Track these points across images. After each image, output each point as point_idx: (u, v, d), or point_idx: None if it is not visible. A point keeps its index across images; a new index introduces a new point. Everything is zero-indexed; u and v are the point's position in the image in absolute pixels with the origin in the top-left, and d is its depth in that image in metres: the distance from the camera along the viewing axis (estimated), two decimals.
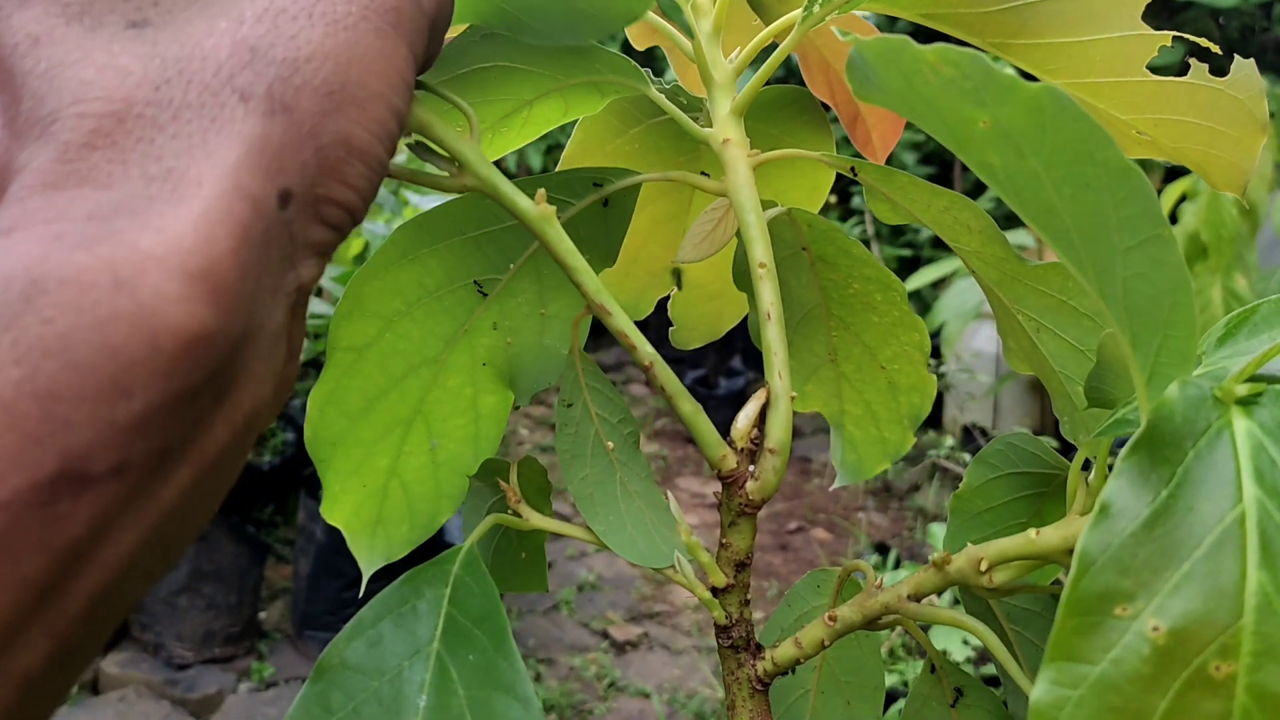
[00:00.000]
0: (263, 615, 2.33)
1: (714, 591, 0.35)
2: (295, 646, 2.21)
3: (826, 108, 0.53)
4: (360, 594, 0.45)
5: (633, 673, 2.19)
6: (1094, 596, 0.23)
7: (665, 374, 0.33)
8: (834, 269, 0.46)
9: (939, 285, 2.89)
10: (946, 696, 0.37)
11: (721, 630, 0.36)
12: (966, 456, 2.17)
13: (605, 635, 2.33)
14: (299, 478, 2.42)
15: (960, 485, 0.38)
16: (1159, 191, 2.00)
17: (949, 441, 2.35)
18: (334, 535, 2.10)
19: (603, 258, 0.45)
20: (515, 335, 0.45)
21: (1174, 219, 1.81)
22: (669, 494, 0.36)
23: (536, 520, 0.37)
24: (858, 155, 0.53)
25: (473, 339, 0.44)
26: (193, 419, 0.21)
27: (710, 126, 0.41)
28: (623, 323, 0.32)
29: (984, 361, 2.66)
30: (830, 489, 0.51)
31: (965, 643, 2.00)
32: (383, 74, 0.25)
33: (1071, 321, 0.37)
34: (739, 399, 3.53)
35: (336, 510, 0.43)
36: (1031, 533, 0.32)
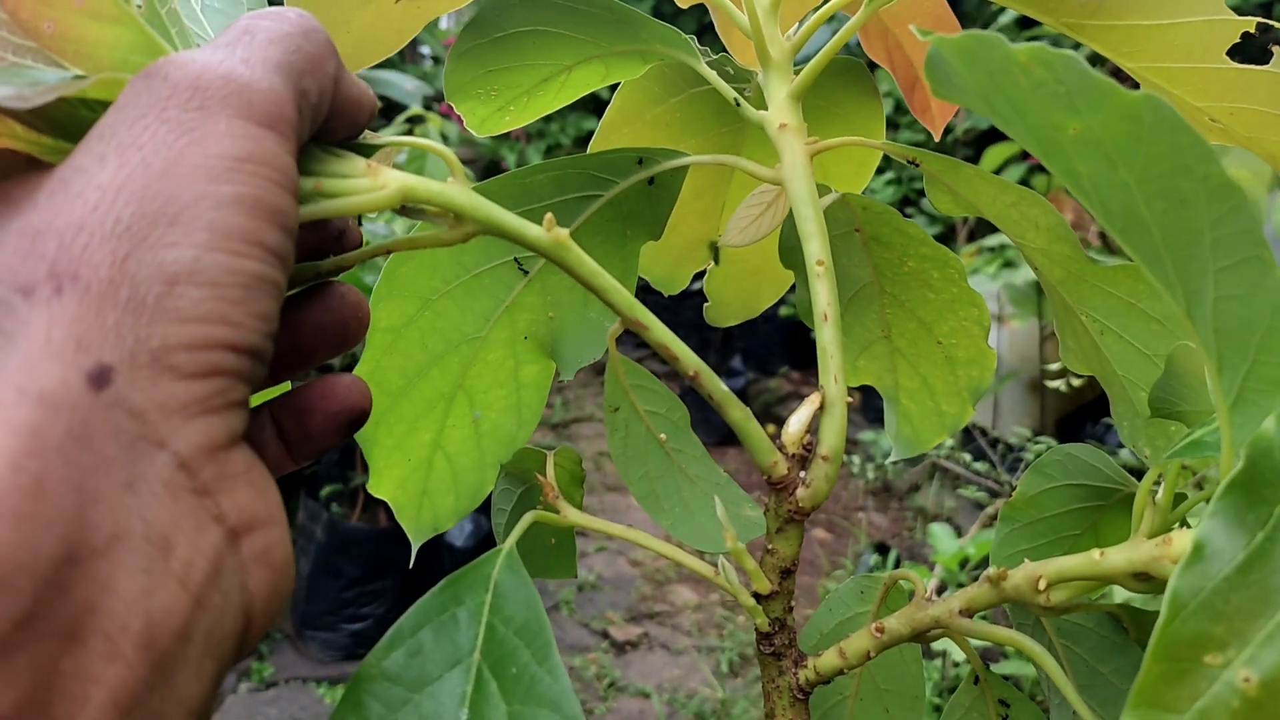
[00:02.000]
0: None
1: (757, 598, 0.34)
2: (295, 646, 2.23)
3: (873, 66, 0.51)
4: (410, 564, 0.45)
5: (633, 673, 2.20)
6: (1184, 642, 0.22)
7: (712, 382, 0.31)
8: (888, 248, 0.44)
9: None
10: (990, 709, 0.36)
11: (764, 637, 0.35)
12: (967, 456, 2.15)
13: (605, 635, 2.34)
14: (299, 478, 2.43)
15: (1013, 494, 0.37)
16: None
17: (949, 441, 2.33)
18: (334, 535, 2.11)
19: (648, 233, 0.43)
20: (558, 309, 0.43)
21: None
22: (716, 499, 0.35)
23: (574, 517, 0.36)
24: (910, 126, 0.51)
25: (513, 314, 0.43)
26: (39, 661, 0.18)
27: (761, 102, 0.39)
28: (662, 334, 0.31)
29: None
30: (889, 461, 0.50)
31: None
32: (197, 171, 0.22)
33: (1139, 325, 0.36)
34: (739, 398, 3.46)
35: (382, 485, 0.43)
36: (1095, 553, 0.31)
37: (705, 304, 0.55)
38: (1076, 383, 1.71)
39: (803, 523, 0.34)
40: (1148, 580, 0.30)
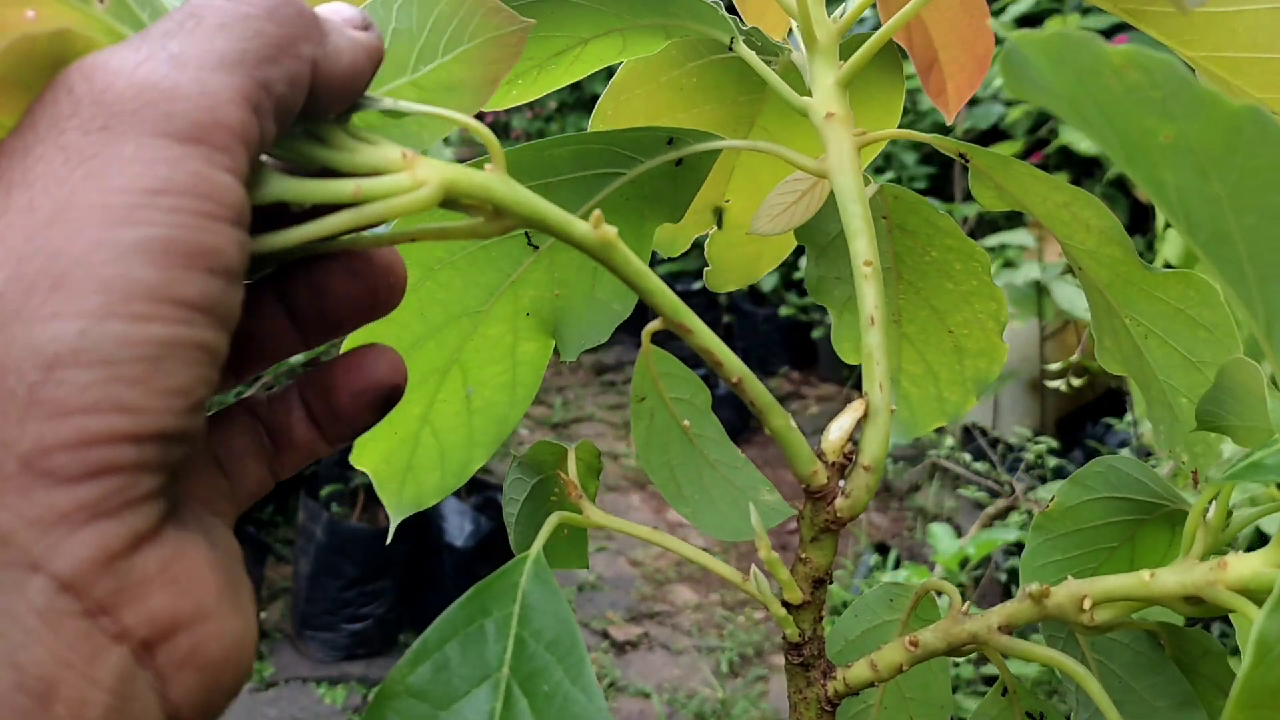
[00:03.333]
0: (263, 615, 2.31)
1: (787, 607, 0.33)
2: (295, 646, 2.21)
3: (901, 52, 0.49)
4: (388, 541, 0.43)
5: (633, 673, 2.20)
6: (1269, 690, 0.21)
7: (755, 388, 0.30)
8: (912, 237, 0.43)
9: None
10: None
11: (793, 648, 0.33)
12: (967, 456, 2.15)
13: (605, 635, 2.34)
14: (299, 478, 2.40)
15: (1050, 504, 0.36)
16: None
17: (949, 442, 2.34)
18: (334, 535, 2.09)
19: (666, 215, 0.41)
20: (565, 287, 0.42)
21: None
22: (751, 506, 0.33)
23: (598, 518, 0.35)
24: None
25: (518, 290, 0.41)
26: None
27: (790, 79, 0.37)
28: (707, 340, 0.29)
29: None
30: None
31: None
32: (93, 214, 0.18)
33: (1186, 331, 0.35)
34: (739, 399, 3.44)
35: (365, 456, 0.41)
36: (1145, 574, 0.30)
37: (706, 269, 0.53)
38: (1077, 383, 1.71)
39: (838, 532, 0.33)
40: (1199, 604, 0.29)
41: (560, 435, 3.41)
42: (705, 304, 2.75)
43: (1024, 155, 2.41)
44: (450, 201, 0.26)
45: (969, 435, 2.36)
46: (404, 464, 0.42)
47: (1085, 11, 2.47)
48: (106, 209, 0.18)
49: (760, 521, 0.32)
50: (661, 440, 0.35)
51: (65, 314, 0.17)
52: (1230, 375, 0.32)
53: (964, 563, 1.73)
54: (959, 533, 1.96)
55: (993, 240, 2.18)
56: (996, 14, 2.33)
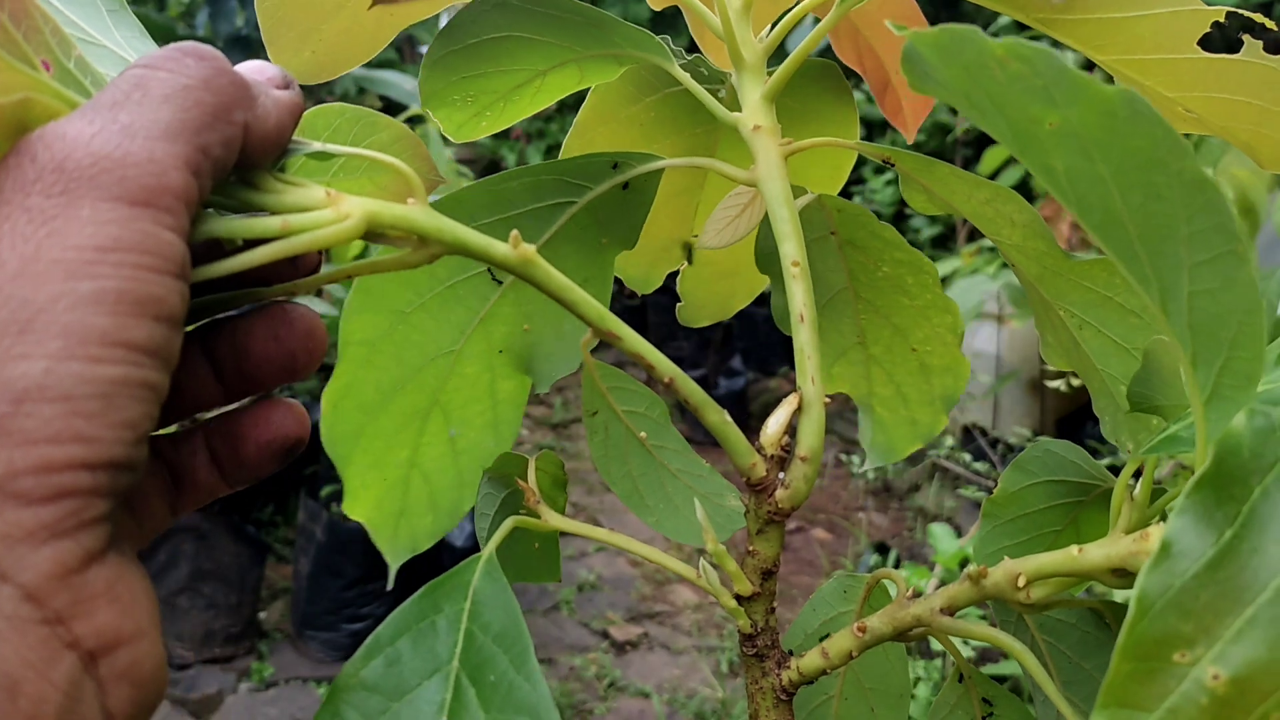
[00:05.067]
0: (263, 615, 2.33)
1: (739, 599, 0.34)
2: (295, 646, 2.22)
3: (850, 74, 0.51)
4: (389, 586, 0.44)
5: (633, 673, 2.20)
6: (1152, 641, 0.22)
7: (688, 386, 0.31)
8: (863, 252, 0.44)
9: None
10: (975, 708, 0.36)
11: (746, 639, 0.34)
12: (967, 456, 2.15)
13: (605, 635, 2.34)
14: (299, 478, 2.41)
15: (995, 490, 0.37)
16: None
17: (949, 441, 2.34)
18: (334, 535, 2.09)
19: (622, 241, 0.43)
20: (533, 321, 0.43)
21: None
22: (696, 502, 0.35)
23: (556, 521, 0.36)
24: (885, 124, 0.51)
25: (488, 326, 0.43)
26: None
27: (735, 104, 0.39)
28: (636, 344, 0.30)
29: (984, 361, 2.62)
30: (862, 469, 0.49)
31: (966, 643, 2.02)
32: (55, 268, 0.20)
33: (1116, 318, 0.36)
34: (739, 399, 3.47)
35: (358, 505, 0.41)
36: (1073, 549, 0.31)
37: (679, 304, 0.55)
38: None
39: (783, 524, 0.34)
40: (1126, 576, 0.30)
41: (560, 435, 3.42)
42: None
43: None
44: (374, 234, 0.28)
45: (969, 435, 2.36)
46: (396, 509, 0.43)
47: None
48: (66, 263, 0.20)
49: (705, 517, 0.34)
50: (620, 452, 0.37)
51: (32, 355, 0.20)
52: (1154, 356, 0.33)
53: (964, 562, 1.73)
54: (959, 533, 1.95)
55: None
56: (993, 17, 2.35)
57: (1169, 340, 0.34)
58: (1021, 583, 0.31)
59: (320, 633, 2.14)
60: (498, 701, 0.27)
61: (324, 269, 0.31)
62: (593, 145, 0.48)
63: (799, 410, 0.33)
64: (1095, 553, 0.30)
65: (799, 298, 0.33)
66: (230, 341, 0.28)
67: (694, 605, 2.44)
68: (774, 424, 0.33)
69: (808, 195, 0.40)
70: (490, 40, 0.43)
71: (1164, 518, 0.32)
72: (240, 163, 0.26)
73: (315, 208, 0.27)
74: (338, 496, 2.22)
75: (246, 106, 0.25)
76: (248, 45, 2.66)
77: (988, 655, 1.77)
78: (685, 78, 0.37)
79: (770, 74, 0.36)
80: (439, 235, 0.28)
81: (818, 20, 0.40)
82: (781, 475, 0.33)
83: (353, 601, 2.12)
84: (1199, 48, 0.39)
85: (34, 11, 0.25)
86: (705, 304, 0.52)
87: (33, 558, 0.20)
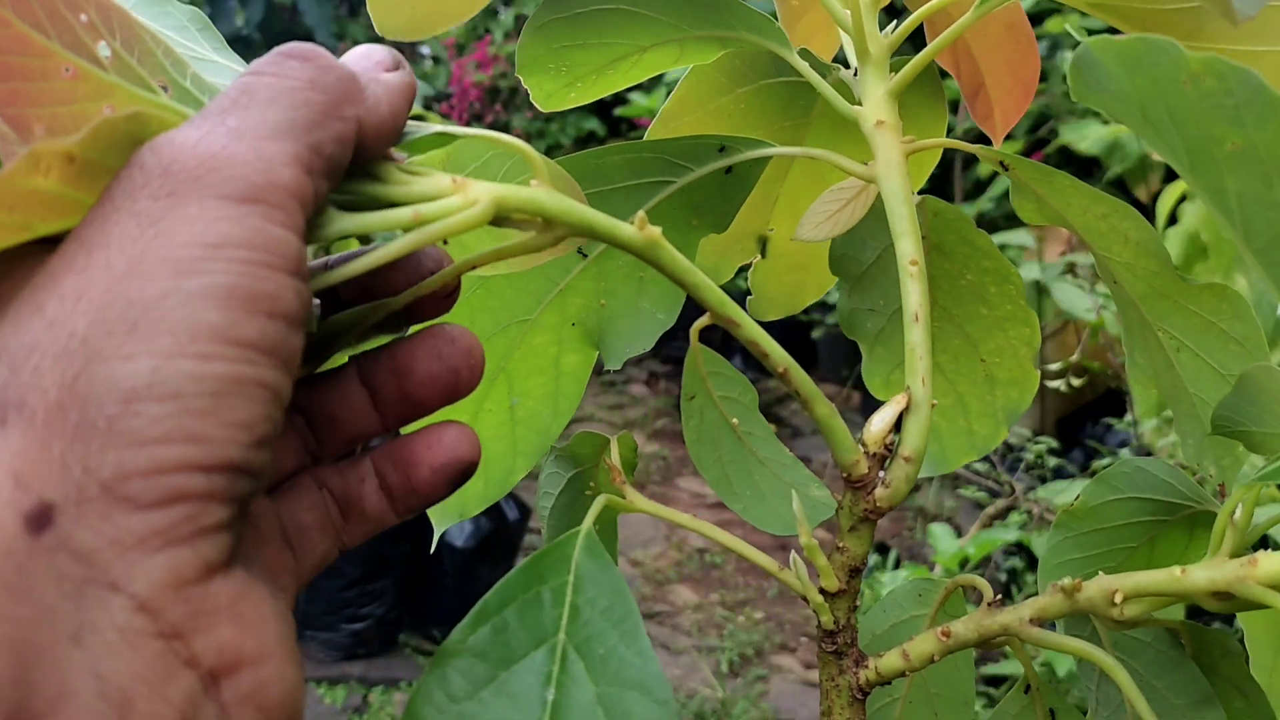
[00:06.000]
0: None
1: (824, 595, 0.34)
2: None
3: (944, 74, 0.51)
4: (431, 549, 0.44)
5: None
6: None
7: (800, 377, 0.31)
8: (950, 259, 0.44)
9: None
10: (1040, 718, 0.37)
11: (827, 635, 0.34)
12: None
13: None
14: None
15: (1074, 502, 0.37)
16: (1158, 192, 1.98)
17: None
18: None
19: (714, 225, 0.43)
20: (611, 297, 0.43)
21: (1174, 219, 1.80)
22: (793, 493, 0.34)
23: (641, 503, 0.36)
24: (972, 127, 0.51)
25: (565, 298, 0.42)
26: None
27: (853, 98, 0.39)
28: (753, 332, 0.30)
29: None
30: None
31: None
32: (163, 266, 0.20)
33: (1218, 345, 0.36)
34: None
35: None
36: (1176, 570, 0.31)
37: (748, 297, 0.54)
38: (1076, 383, 1.73)
39: (875, 522, 0.34)
40: (1228, 600, 0.30)
41: (562, 435, 3.40)
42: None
43: (1024, 154, 2.43)
44: (501, 219, 0.27)
45: None
46: None
47: (1084, 13, 2.51)
48: (174, 261, 0.20)
49: (801, 508, 0.33)
50: (712, 437, 0.37)
51: (140, 354, 0.19)
52: (1251, 382, 0.33)
53: (964, 563, 1.74)
54: (959, 533, 1.97)
55: (994, 240, 2.19)
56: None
57: (1270, 367, 0.34)
58: (1118, 599, 0.31)
59: (320, 633, 2.13)
60: (609, 675, 0.27)
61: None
62: (678, 134, 0.48)
63: (906, 409, 0.33)
64: (1199, 575, 0.30)
65: (914, 297, 0.33)
66: (391, 365, 0.27)
67: (694, 605, 2.44)
68: (879, 421, 0.33)
69: (916, 196, 0.40)
70: (597, 11, 0.42)
71: (1264, 543, 0.32)
72: (360, 156, 0.25)
73: (442, 196, 0.26)
74: None
75: (356, 101, 0.24)
76: (248, 45, 2.62)
77: (987, 656, 1.78)
78: (805, 67, 0.37)
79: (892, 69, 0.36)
80: (566, 217, 0.28)
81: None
82: (882, 474, 0.33)
83: (353, 601, 2.10)
84: None
85: (144, 36, 0.25)
86: (775, 297, 0.52)
87: (145, 566, 0.19)
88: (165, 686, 0.18)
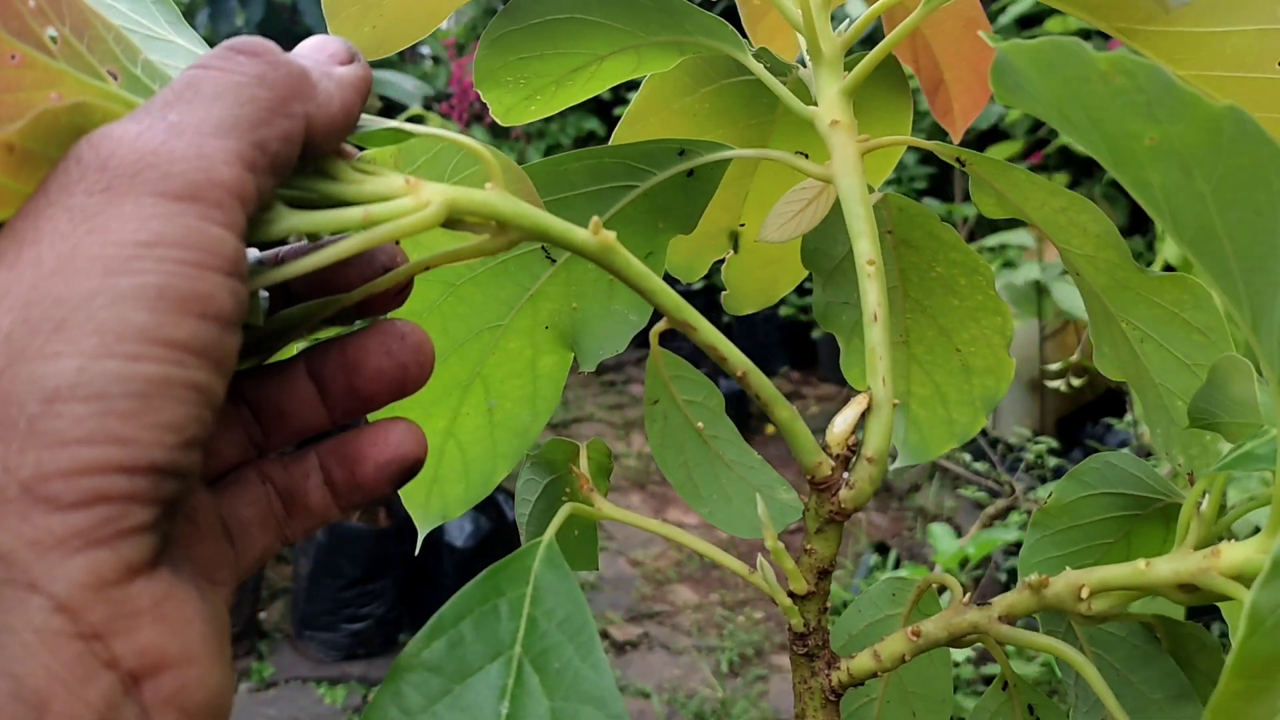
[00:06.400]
0: (263, 615, 2.31)
1: (793, 598, 0.34)
2: (295, 646, 2.21)
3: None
4: (416, 551, 0.44)
5: (633, 673, 2.19)
6: (1262, 659, 0.22)
7: (760, 381, 0.31)
8: (917, 252, 0.44)
9: None
10: (1018, 716, 0.36)
11: (797, 637, 0.34)
12: (966, 456, 2.16)
13: (605, 635, 2.32)
14: None
15: (1048, 500, 0.37)
16: None
17: None
18: (334, 535, 2.10)
19: (680, 227, 0.43)
20: (582, 300, 0.43)
21: None
22: (759, 497, 0.34)
23: (609, 510, 0.36)
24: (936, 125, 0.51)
25: (537, 303, 0.43)
26: None
27: (807, 97, 0.39)
28: (710, 336, 0.30)
29: None
30: (893, 467, 0.49)
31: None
32: (93, 265, 0.19)
33: (1181, 335, 0.36)
34: (739, 399, 3.46)
35: None
36: (1140, 563, 0.31)
37: (723, 293, 0.55)
38: (1076, 383, 1.72)
39: (842, 524, 0.34)
40: (1193, 592, 0.30)
41: (560, 435, 3.41)
42: (705, 305, 2.78)
43: (1024, 155, 2.42)
44: (454, 221, 0.27)
45: None
46: (429, 477, 0.44)
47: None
48: (105, 260, 0.19)
49: (766, 512, 0.33)
50: (676, 442, 0.37)
51: (65, 353, 0.19)
52: (1221, 373, 0.33)
53: (964, 563, 1.73)
54: (959, 533, 1.96)
55: (992, 240, 2.18)
56: (996, 14, 2.34)
57: (1239, 358, 0.34)
58: (1084, 594, 0.31)
59: (320, 633, 2.14)
60: (563, 689, 0.27)
61: None
62: (645, 135, 0.48)
63: (868, 410, 0.33)
64: (1163, 567, 0.30)
65: (873, 297, 0.33)
66: (340, 360, 0.27)
67: (694, 605, 2.44)
68: (841, 423, 0.33)
69: (876, 194, 0.40)
70: (553, 21, 0.43)
71: (1230, 534, 0.32)
72: (309, 152, 0.25)
73: (395, 196, 0.26)
74: None
75: (306, 97, 0.24)
76: None
77: (986, 655, 1.77)
78: (759, 69, 0.37)
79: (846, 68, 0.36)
80: (519, 220, 0.28)
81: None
82: (846, 475, 0.33)
83: (353, 601, 2.12)
84: None
85: (95, 21, 0.25)
86: (750, 292, 0.52)
87: (65, 567, 0.18)
88: (83, 687, 0.18)
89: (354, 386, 0.27)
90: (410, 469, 0.27)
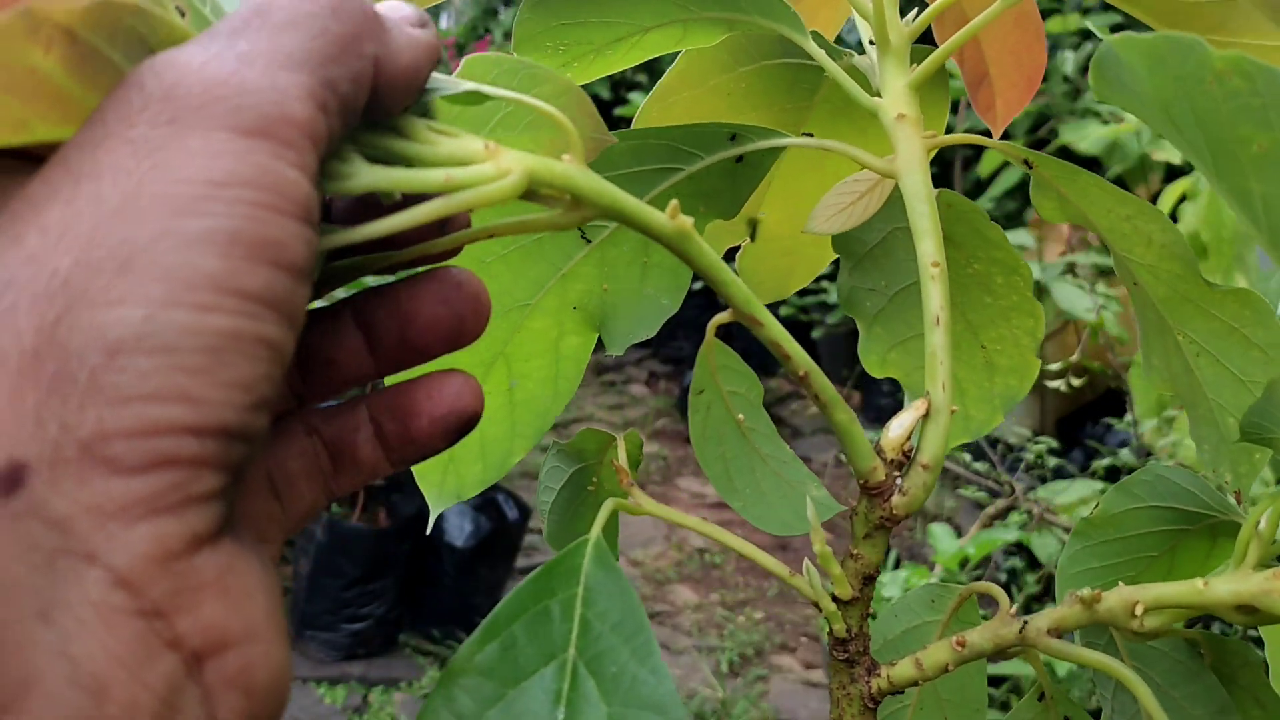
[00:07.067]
0: None
1: (837, 603, 0.33)
2: (295, 646, 2.18)
3: None
4: (428, 529, 0.43)
5: None
6: None
7: (821, 382, 0.30)
8: (958, 248, 0.43)
9: None
10: None
11: (839, 643, 0.34)
12: (966, 456, 2.16)
13: None
14: None
15: (1094, 510, 0.36)
16: (1158, 192, 1.97)
17: None
18: (334, 535, 2.08)
19: (721, 212, 0.42)
20: (614, 281, 0.42)
21: (1174, 219, 1.80)
22: (809, 500, 0.34)
23: (649, 506, 0.35)
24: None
25: (567, 283, 0.41)
26: None
27: (868, 86, 0.37)
28: (776, 333, 0.29)
29: None
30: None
31: None
32: (159, 203, 0.18)
33: (1239, 350, 0.35)
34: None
35: None
36: (1198, 582, 0.30)
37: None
38: (1077, 383, 1.73)
39: (890, 530, 0.33)
40: (1252, 613, 0.30)
41: (560, 435, 3.39)
42: (705, 304, 2.77)
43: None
44: (529, 193, 0.26)
45: None
46: (446, 455, 0.42)
47: (1085, 10, 2.49)
48: (172, 199, 0.18)
49: (815, 516, 0.33)
50: (717, 433, 0.36)
51: (130, 300, 0.17)
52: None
53: (964, 563, 1.74)
54: (959, 533, 1.97)
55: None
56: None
57: None
58: (1139, 611, 0.31)
59: (320, 633, 2.13)
60: (620, 695, 0.26)
61: None
62: (674, 110, 0.47)
63: (925, 416, 0.32)
64: (1222, 588, 0.30)
65: (935, 300, 0.32)
66: (393, 309, 0.25)
67: (694, 605, 2.44)
68: (897, 427, 0.32)
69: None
70: None
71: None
72: (374, 105, 0.23)
73: (474, 161, 0.25)
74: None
75: (378, 39, 0.22)
76: None
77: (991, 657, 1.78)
78: (822, 55, 0.35)
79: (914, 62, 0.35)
80: (597, 198, 0.26)
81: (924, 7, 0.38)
82: (899, 481, 0.32)
83: (353, 601, 2.10)
84: None
85: None
86: (765, 281, 0.51)
87: (127, 536, 0.17)
88: (144, 670, 0.17)
89: (406, 337, 0.25)
90: (467, 423, 0.26)
